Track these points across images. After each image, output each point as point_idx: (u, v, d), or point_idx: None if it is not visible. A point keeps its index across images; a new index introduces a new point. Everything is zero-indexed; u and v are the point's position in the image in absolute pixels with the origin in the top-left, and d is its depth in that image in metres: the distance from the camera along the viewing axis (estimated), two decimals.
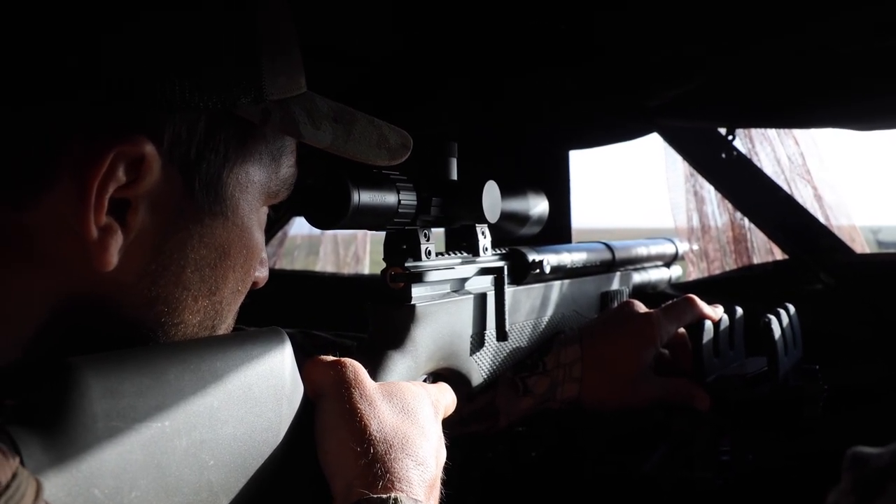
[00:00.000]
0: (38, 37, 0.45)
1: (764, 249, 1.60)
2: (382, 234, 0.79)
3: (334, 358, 0.61)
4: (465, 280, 0.85)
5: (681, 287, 1.34)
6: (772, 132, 1.52)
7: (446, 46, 1.20)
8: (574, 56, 1.18)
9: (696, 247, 1.67)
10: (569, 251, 1.02)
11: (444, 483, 0.62)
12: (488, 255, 0.88)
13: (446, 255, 0.83)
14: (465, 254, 0.85)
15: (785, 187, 1.47)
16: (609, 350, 0.95)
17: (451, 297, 0.82)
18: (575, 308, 1.03)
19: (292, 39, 0.57)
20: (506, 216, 0.88)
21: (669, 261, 1.32)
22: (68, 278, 0.50)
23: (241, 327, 0.62)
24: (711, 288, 1.39)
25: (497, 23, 1.12)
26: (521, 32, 1.14)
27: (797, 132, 1.53)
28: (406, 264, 0.77)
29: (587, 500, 1.08)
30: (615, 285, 1.13)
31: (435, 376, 0.83)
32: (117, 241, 0.49)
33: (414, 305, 0.77)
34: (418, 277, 0.77)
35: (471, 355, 0.85)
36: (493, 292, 0.87)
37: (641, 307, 0.99)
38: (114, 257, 0.49)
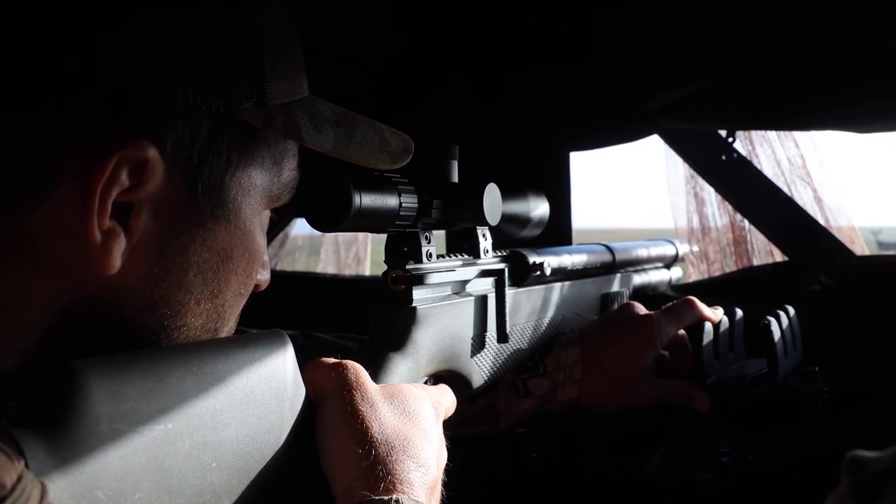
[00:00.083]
0: (37, 37, 0.46)
1: (764, 251, 1.60)
2: (384, 235, 0.79)
3: (336, 360, 0.62)
4: (465, 282, 0.85)
5: (681, 288, 1.35)
6: (772, 134, 1.53)
7: (446, 46, 1.20)
8: (574, 57, 1.18)
9: (696, 248, 1.68)
10: (569, 253, 1.02)
11: (445, 484, 0.63)
12: (489, 258, 0.88)
13: (447, 258, 0.83)
14: (465, 256, 0.85)
15: (785, 189, 1.47)
16: (609, 352, 0.95)
17: (451, 299, 0.82)
18: (575, 310, 1.03)
19: (294, 43, 0.57)
20: (506, 218, 0.89)
21: (670, 262, 1.32)
22: (71, 281, 0.50)
23: (243, 329, 0.62)
24: (711, 289, 1.39)
25: (497, 23, 1.12)
26: (520, 33, 1.14)
27: (797, 134, 1.53)
28: (407, 266, 0.77)
29: (587, 501, 1.09)
30: (615, 287, 1.13)
31: (436, 378, 0.83)
32: (120, 245, 0.49)
33: (415, 307, 0.77)
34: (419, 280, 0.77)
35: (472, 357, 0.86)
36: (494, 294, 0.87)
37: (642, 309, 0.99)
38: (117, 261, 0.49)
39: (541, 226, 0.98)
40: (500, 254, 0.91)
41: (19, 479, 0.38)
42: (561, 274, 0.99)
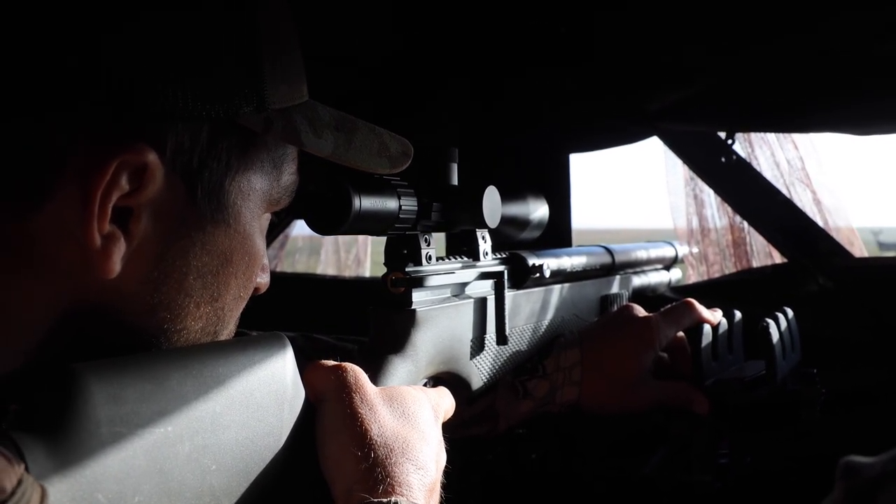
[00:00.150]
0: (38, 37, 0.46)
1: (763, 253, 1.60)
2: (384, 237, 0.79)
3: (335, 362, 0.62)
4: (465, 284, 0.85)
5: (680, 290, 1.35)
6: (771, 136, 1.53)
7: (446, 47, 1.20)
8: (574, 57, 1.18)
9: (695, 249, 1.68)
10: (569, 255, 1.02)
11: (444, 487, 0.63)
12: (488, 260, 0.88)
13: (447, 260, 0.83)
14: (465, 258, 0.86)
15: (784, 191, 1.47)
16: (608, 354, 0.95)
17: (451, 301, 0.83)
18: (575, 312, 1.04)
19: (294, 48, 0.57)
20: (506, 221, 0.89)
21: (669, 264, 1.32)
22: (71, 285, 0.50)
23: (243, 331, 0.62)
24: (711, 291, 1.40)
25: (497, 23, 1.12)
26: (520, 33, 1.14)
27: (796, 136, 1.53)
28: (407, 269, 0.77)
29: (586, 503, 1.09)
30: (615, 289, 1.13)
31: (435, 380, 0.83)
32: (120, 249, 0.50)
33: (414, 310, 0.77)
34: (419, 282, 0.77)
35: (471, 359, 0.86)
36: (494, 296, 0.87)
37: (641, 311, 0.99)
38: (117, 265, 0.49)
39: (540, 228, 0.98)
40: (499, 256, 0.91)
41: (19, 482, 0.38)
42: (560, 276, 0.99)
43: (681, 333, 0.99)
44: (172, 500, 0.48)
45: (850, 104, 1.20)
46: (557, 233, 1.39)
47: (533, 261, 0.93)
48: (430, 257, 0.79)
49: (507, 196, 0.88)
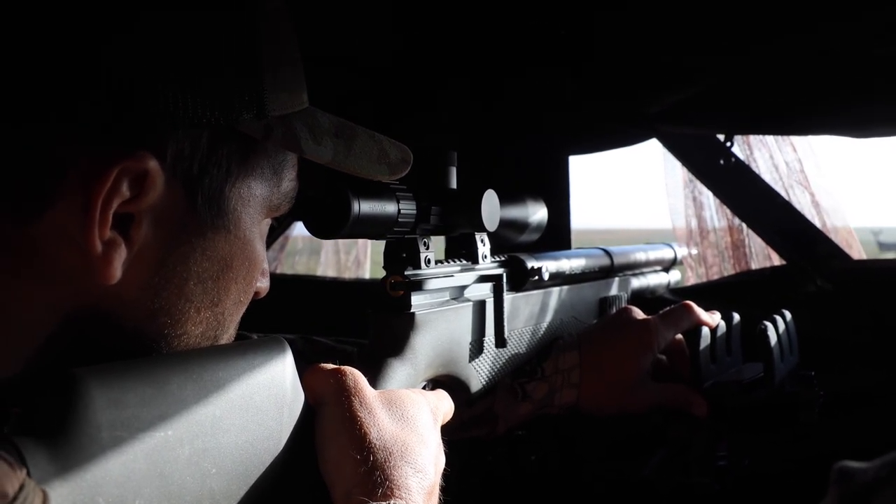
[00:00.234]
0: (38, 45, 0.46)
1: (762, 255, 1.60)
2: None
3: (334, 366, 0.62)
4: (464, 287, 0.85)
5: (679, 292, 1.35)
6: (770, 138, 1.53)
7: (446, 47, 1.20)
8: (574, 59, 1.19)
9: (694, 251, 1.68)
10: (567, 257, 1.02)
11: (443, 489, 0.63)
12: (487, 263, 0.88)
13: (445, 263, 0.83)
14: (464, 261, 0.86)
15: (783, 193, 1.48)
16: (607, 356, 0.95)
17: (450, 304, 0.83)
18: (573, 314, 1.04)
19: (295, 55, 0.57)
20: (505, 224, 0.89)
21: (668, 266, 1.32)
22: (72, 290, 0.50)
23: (243, 333, 0.63)
24: (709, 293, 1.40)
25: (497, 24, 1.13)
26: (520, 34, 1.15)
27: (795, 139, 1.54)
28: (406, 272, 0.77)
29: None
30: (614, 291, 1.13)
31: (434, 383, 0.83)
32: (121, 255, 0.50)
33: (413, 313, 0.78)
34: (418, 285, 0.78)
35: (470, 362, 0.86)
36: (492, 299, 0.88)
37: (639, 313, 1.00)
38: (117, 271, 0.50)
39: (539, 231, 0.98)
40: (498, 259, 0.91)
41: (21, 487, 0.38)
42: (559, 278, 1.00)
43: (679, 336, 1.00)
44: None
45: (850, 106, 1.20)
46: (557, 234, 1.39)
47: (532, 263, 0.93)
48: (428, 261, 0.80)
49: (506, 199, 0.88)
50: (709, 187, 1.53)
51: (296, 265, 2.93)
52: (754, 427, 0.96)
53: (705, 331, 0.97)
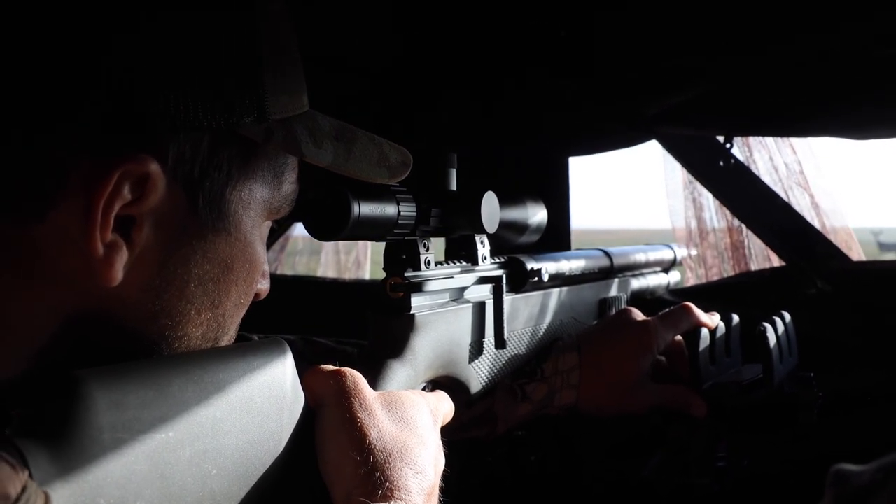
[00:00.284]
0: (39, 49, 0.46)
1: (761, 256, 1.61)
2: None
3: (334, 367, 0.62)
4: (463, 289, 0.86)
5: (679, 293, 1.35)
6: (769, 140, 1.54)
7: (446, 48, 1.20)
8: (574, 61, 1.19)
9: (694, 252, 1.68)
10: (567, 259, 1.02)
11: (443, 490, 0.63)
12: (487, 264, 0.89)
13: (445, 265, 0.83)
14: (464, 263, 0.86)
15: (782, 194, 1.48)
16: (607, 357, 0.96)
17: (450, 305, 0.83)
18: (573, 315, 1.04)
19: (295, 58, 0.57)
20: (504, 225, 0.89)
21: (668, 266, 1.33)
22: (73, 293, 0.50)
23: (244, 334, 0.63)
24: (709, 294, 1.40)
25: (497, 26, 1.13)
26: (520, 36, 1.15)
27: (794, 140, 1.54)
28: (405, 274, 0.78)
29: None
30: (613, 292, 1.14)
31: (434, 384, 0.83)
32: (122, 258, 0.50)
33: (413, 315, 0.78)
34: (417, 287, 0.78)
35: (469, 363, 0.86)
36: (492, 301, 0.88)
37: (639, 315, 1.00)
38: (119, 273, 0.50)
39: (539, 232, 0.99)
40: (498, 260, 0.91)
41: (23, 489, 0.39)
42: (559, 279, 1.00)
43: (678, 337, 1.00)
44: None
45: (850, 108, 1.20)
46: (556, 235, 1.40)
47: (531, 265, 0.93)
48: (428, 262, 0.80)
49: (506, 201, 0.88)
50: (708, 188, 1.53)
51: (296, 265, 2.93)
52: (753, 428, 0.96)
53: (704, 332, 0.98)
